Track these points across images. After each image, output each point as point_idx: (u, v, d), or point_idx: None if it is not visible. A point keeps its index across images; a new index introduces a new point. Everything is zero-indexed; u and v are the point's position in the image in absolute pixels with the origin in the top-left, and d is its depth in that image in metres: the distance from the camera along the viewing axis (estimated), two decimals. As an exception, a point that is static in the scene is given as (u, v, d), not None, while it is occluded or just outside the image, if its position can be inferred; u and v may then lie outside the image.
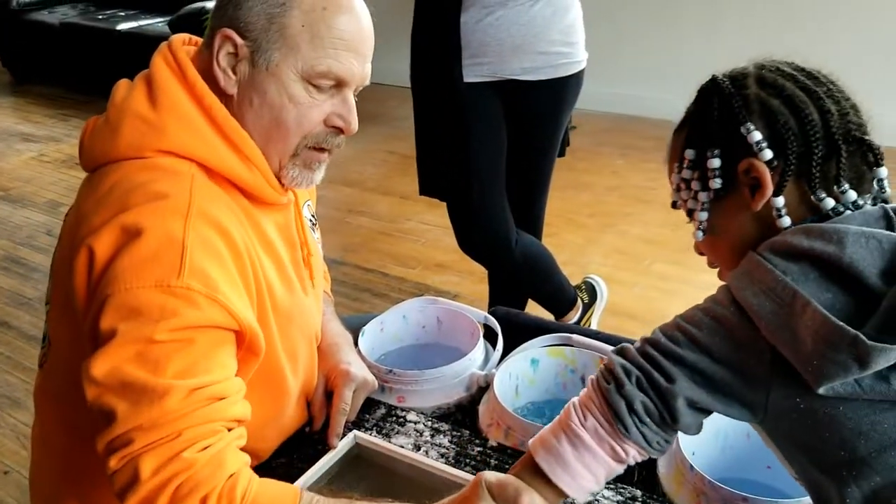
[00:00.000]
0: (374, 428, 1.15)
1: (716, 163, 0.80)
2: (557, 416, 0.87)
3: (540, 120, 1.99)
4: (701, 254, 0.91)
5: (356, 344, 1.35)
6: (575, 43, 1.93)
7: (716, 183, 0.80)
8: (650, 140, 4.00)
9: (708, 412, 0.80)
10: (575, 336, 1.35)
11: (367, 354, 1.34)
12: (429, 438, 1.13)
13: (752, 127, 0.77)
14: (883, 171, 0.78)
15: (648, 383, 0.79)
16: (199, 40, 1.04)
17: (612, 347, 1.29)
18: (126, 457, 0.83)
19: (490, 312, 1.48)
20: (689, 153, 0.83)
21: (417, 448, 1.10)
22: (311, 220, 1.26)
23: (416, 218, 3.31)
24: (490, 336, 1.43)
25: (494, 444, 1.13)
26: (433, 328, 1.50)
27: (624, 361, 0.82)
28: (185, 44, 1.03)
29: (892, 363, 0.68)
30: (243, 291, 0.94)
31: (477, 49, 1.84)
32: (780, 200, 0.77)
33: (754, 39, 3.90)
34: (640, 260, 2.89)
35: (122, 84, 1.00)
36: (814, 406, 0.73)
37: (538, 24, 1.84)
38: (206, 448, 0.85)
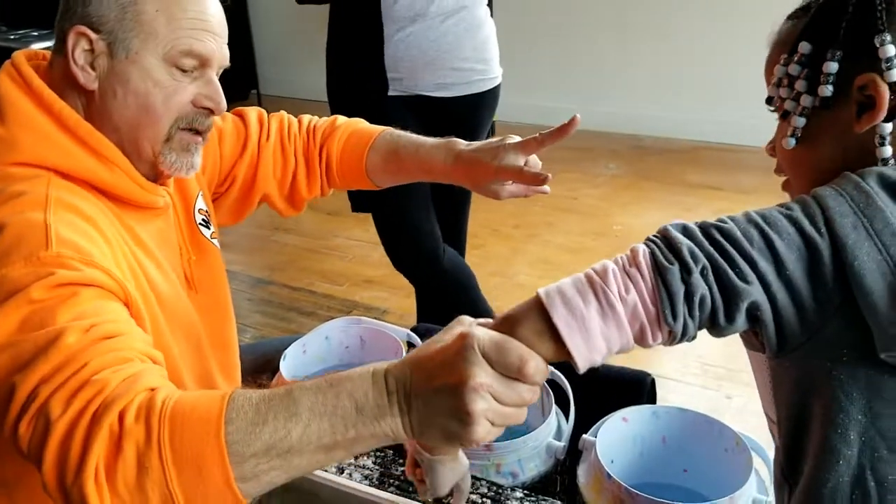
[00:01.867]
0: (297, 453, 1.15)
1: (833, 67, 0.70)
2: (584, 273, 0.72)
3: (456, 136, 1.98)
4: (772, 156, 0.83)
5: (278, 368, 1.35)
6: (489, 59, 1.95)
7: (826, 90, 0.71)
8: (572, 150, 4.08)
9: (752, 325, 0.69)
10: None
11: (289, 378, 1.34)
12: (352, 460, 1.13)
13: (887, 38, 0.67)
14: None
15: (716, 278, 0.66)
16: (48, 54, 1.04)
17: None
18: (33, 413, 0.71)
19: (412, 329, 1.49)
20: (805, 47, 0.72)
21: (341, 471, 1.10)
22: (203, 218, 1.24)
23: (343, 234, 3.30)
24: (413, 353, 1.44)
25: (418, 462, 1.13)
26: (356, 348, 1.50)
27: (692, 245, 0.67)
28: (30, 59, 1.02)
29: None
30: (120, 271, 0.89)
31: (391, 65, 1.87)
32: (888, 127, 0.69)
33: (667, 50, 4.03)
34: (564, 269, 2.94)
35: None
36: (855, 367, 0.67)
37: (449, 41, 1.86)
38: (118, 371, 0.73)
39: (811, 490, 0.74)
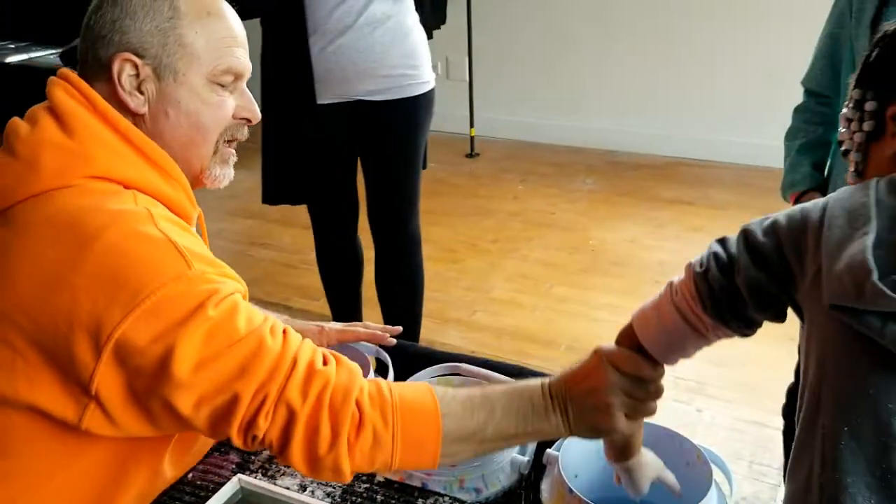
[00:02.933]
0: (260, 470, 1.15)
1: (870, 105, 0.83)
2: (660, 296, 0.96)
3: (394, 138, 2.09)
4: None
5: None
6: (418, 66, 2.04)
7: (867, 125, 0.83)
8: (549, 165, 4.12)
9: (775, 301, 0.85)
10: (463, 365, 1.38)
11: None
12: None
13: None
14: None
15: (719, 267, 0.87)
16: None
17: (500, 376, 1.33)
18: (269, 410, 0.87)
19: (381, 345, 1.49)
20: (855, 93, 0.85)
21: (303, 489, 1.11)
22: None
23: (320, 249, 3.30)
24: (383, 369, 1.44)
25: (381, 479, 1.14)
26: (326, 364, 1.51)
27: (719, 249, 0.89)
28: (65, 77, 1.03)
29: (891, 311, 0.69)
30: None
31: (323, 75, 1.97)
32: None
33: (643, 67, 4.08)
34: (540, 283, 2.96)
35: (18, 121, 0.99)
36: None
37: (378, 51, 1.96)
38: (325, 359, 0.92)
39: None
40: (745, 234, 0.85)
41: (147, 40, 1.00)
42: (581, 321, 2.68)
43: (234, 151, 1.11)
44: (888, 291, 0.68)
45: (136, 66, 1.00)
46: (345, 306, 2.46)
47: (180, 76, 1.01)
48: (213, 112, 1.04)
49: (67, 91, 0.99)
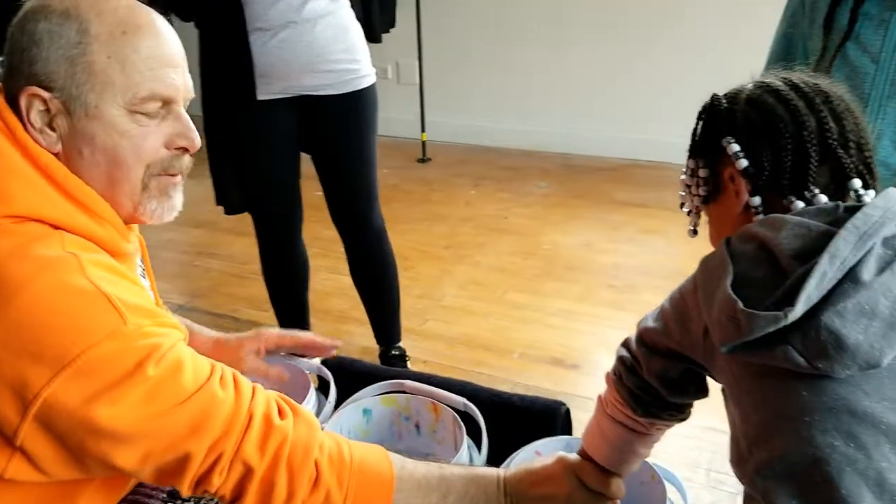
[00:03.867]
0: (191, 500, 1.08)
1: (703, 172, 0.90)
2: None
3: (343, 131, 2.08)
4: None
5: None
6: (359, 59, 2.04)
7: (703, 190, 0.91)
8: (502, 170, 4.08)
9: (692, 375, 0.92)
10: (408, 382, 1.33)
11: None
12: None
13: (731, 139, 0.86)
14: (855, 183, 0.83)
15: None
16: None
17: (445, 392, 1.28)
18: (225, 467, 0.85)
19: (323, 362, 1.43)
20: (690, 162, 0.93)
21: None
22: (140, 268, 1.19)
23: (269, 258, 3.21)
24: (324, 386, 1.38)
25: None
26: (264, 381, 1.43)
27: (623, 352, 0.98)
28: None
29: (775, 329, 0.72)
30: None
31: (267, 69, 1.95)
32: (757, 200, 0.85)
33: (597, 69, 4.06)
34: (493, 289, 2.91)
35: None
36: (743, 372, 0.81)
37: (320, 45, 1.95)
38: (280, 411, 0.91)
39: None
40: (639, 332, 0.94)
41: (54, 70, 0.90)
42: (535, 328, 2.63)
43: (177, 181, 0.99)
44: (758, 312, 0.72)
45: (44, 101, 0.90)
46: (291, 315, 2.40)
47: (91, 108, 0.91)
48: (133, 146, 0.93)
49: None
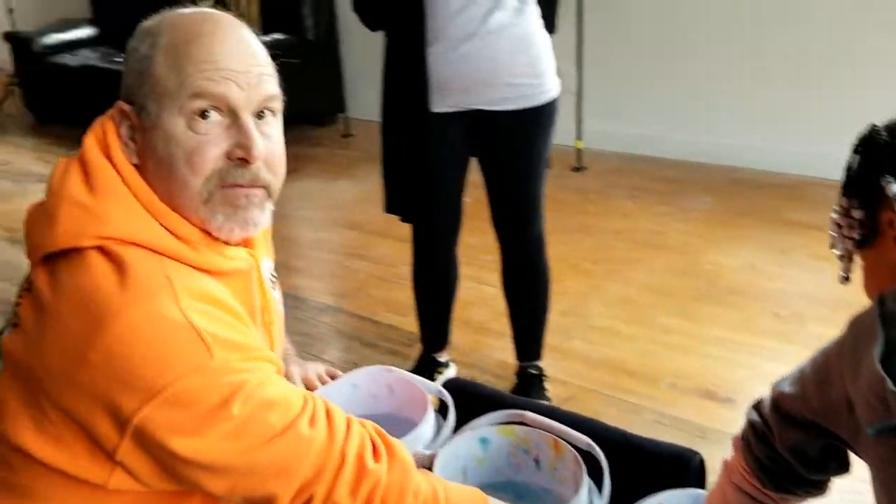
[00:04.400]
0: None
1: (857, 214, 0.82)
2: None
3: (514, 148, 2.02)
4: None
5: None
6: (542, 73, 1.96)
7: (856, 233, 0.82)
8: (662, 182, 3.87)
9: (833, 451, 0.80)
10: (528, 414, 1.24)
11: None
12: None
13: (891, 179, 0.77)
14: None
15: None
16: None
17: (568, 429, 1.18)
18: None
19: (445, 385, 1.37)
20: (843, 200, 0.85)
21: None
22: (271, 279, 1.18)
23: (415, 263, 3.20)
24: (443, 408, 1.32)
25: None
26: (384, 398, 1.40)
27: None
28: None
29: None
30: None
31: (443, 82, 1.91)
32: None
33: (770, 76, 3.77)
34: (644, 310, 2.74)
35: (59, 165, 0.94)
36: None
37: (502, 59, 1.88)
38: (375, 450, 0.88)
39: None
40: (774, 396, 0.82)
41: (131, 84, 0.92)
42: (688, 356, 2.45)
43: (252, 193, 0.94)
44: None
45: (127, 115, 0.92)
46: (433, 324, 2.38)
47: (153, 117, 0.91)
48: (186, 153, 0.90)
49: (98, 139, 0.93)
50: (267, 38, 4.04)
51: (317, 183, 4.14)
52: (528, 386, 2.27)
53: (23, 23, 6.37)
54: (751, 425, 0.85)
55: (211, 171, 0.92)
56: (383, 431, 0.93)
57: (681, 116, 4.07)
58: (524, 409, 1.26)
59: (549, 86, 1.97)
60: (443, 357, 2.41)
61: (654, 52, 4.07)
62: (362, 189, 3.95)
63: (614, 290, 2.90)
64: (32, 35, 5.58)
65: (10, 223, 3.76)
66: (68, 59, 5.47)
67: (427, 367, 2.37)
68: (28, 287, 0.92)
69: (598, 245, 3.27)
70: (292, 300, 3.00)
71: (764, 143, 3.84)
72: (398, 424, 1.32)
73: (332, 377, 1.39)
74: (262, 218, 0.98)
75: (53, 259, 0.89)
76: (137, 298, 0.82)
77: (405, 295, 2.94)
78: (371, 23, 1.99)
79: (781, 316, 2.64)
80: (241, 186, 0.94)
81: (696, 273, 2.98)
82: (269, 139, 0.96)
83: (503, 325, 2.35)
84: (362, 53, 4.92)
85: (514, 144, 2.01)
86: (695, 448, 1.22)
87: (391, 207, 2.14)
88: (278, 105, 0.98)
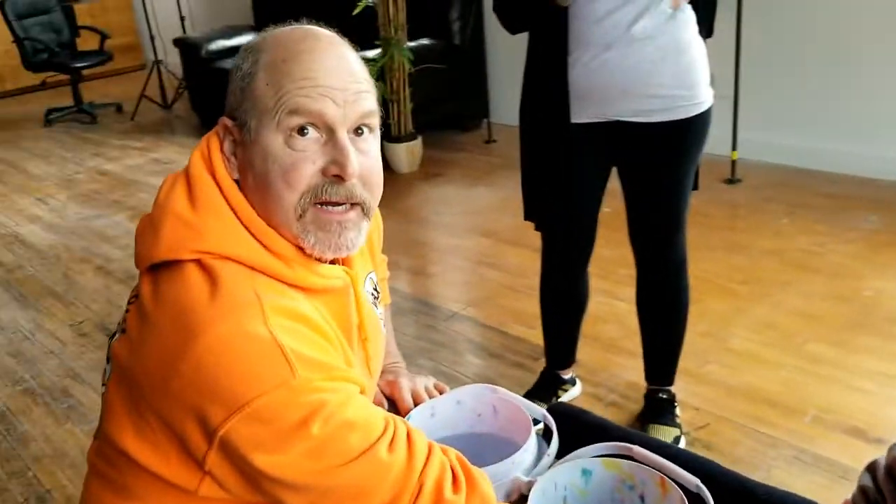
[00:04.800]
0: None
1: None
2: None
3: (658, 164, 1.89)
4: None
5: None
6: (692, 85, 1.80)
7: None
8: (823, 198, 3.58)
9: None
10: (636, 448, 1.14)
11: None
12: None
13: None
14: None
15: None
16: None
17: (676, 468, 1.08)
18: None
19: (549, 408, 1.30)
20: None
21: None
22: (372, 295, 1.17)
23: (548, 273, 3.12)
24: (547, 434, 1.25)
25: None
26: (489, 417, 1.34)
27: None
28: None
29: None
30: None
31: (583, 91, 1.80)
32: None
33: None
34: (792, 337, 2.53)
35: (168, 179, 0.97)
36: None
37: (645, 69, 1.75)
38: (455, 480, 0.86)
39: None
40: (890, 461, 0.71)
41: (234, 100, 0.94)
42: (837, 388, 2.23)
43: (345, 218, 0.94)
44: None
45: (230, 131, 0.94)
46: (561, 340, 2.30)
47: (253, 133, 0.92)
48: (283, 169, 0.91)
49: (203, 155, 0.96)
50: (413, 44, 4.11)
51: (456, 188, 4.15)
52: (658, 411, 2.15)
53: (192, 29, 6.82)
54: (862, 491, 0.72)
55: (306, 187, 0.92)
56: (465, 461, 0.90)
57: (849, 128, 3.74)
58: (633, 442, 1.17)
59: (699, 97, 1.82)
60: (567, 374, 2.32)
61: (817, 57, 3.77)
62: (500, 196, 3.91)
63: (760, 314, 2.70)
64: (200, 41, 5.94)
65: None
66: (231, 65, 5.77)
67: (550, 383, 2.29)
68: (136, 295, 0.95)
69: (746, 264, 3.05)
70: (423, 306, 3.00)
71: (944, 159, 3.47)
72: (500, 445, 1.26)
73: (441, 392, 1.36)
74: (358, 239, 0.97)
75: (157, 269, 0.91)
76: (225, 313, 0.83)
77: (534, 306, 2.88)
78: (511, 25, 1.90)
79: (951, 352, 2.36)
80: (335, 204, 0.94)
81: (854, 299, 2.72)
82: (366, 156, 0.95)
83: (636, 343, 2.24)
84: (508, 59, 4.89)
85: (657, 159, 1.88)
86: (838, 491, 1.08)
87: (529, 214, 2.07)
88: (376, 122, 0.97)
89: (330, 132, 0.92)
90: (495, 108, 4.94)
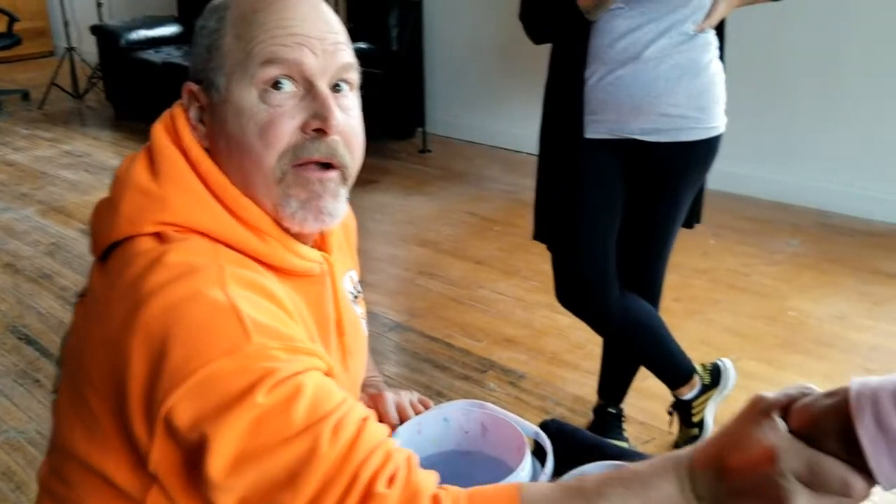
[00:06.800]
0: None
1: None
2: None
3: (661, 183, 1.88)
4: None
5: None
6: (705, 107, 1.80)
7: None
8: (747, 221, 3.74)
9: None
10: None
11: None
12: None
13: None
14: None
15: None
16: None
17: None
18: None
19: (542, 425, 1.30)
20: None
21: None
22: (352, 293, 1.12)
23: (488, 286, 3.14)
24: (541, 453, 1.25)
25: None
26: (477, 435, 1.33)
27: None
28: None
29: None
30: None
31: (597, 107, 1.79)
32: None
33: (873, 123, 3.62)
34: (726, 354, 2.62)
35: (126, 158, 0.90)
36: None
37: (660, 86, 1.74)
38: (392, 478, 0.72)
39: None
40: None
41: (199, 62, 0.88)
42: (772, 405, 2.33)
43: (325, 176, 0.87)
44: None
45: (195, 95, 0.88)
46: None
47: (222, 91, 0.85)
48: (259, 126, 0.84)
49: (167, 126, 0.89)
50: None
51: (392, 197, 4.12)
52: (606, 425, 2.19)
53: (110, 17, 6.54)
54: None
55: (286, 145, 0.85)
56: (414, 461, 0.77)
57: (773, 155, 3.93)
58: (629, 459, 1.19)
59: (712, 122, 1.81)
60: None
61: (750, 93, 3.95)
62: (437, 206, 3.92)
63: (694, 331, 2.80)
64: (119, 29, 5.72)
65: (86, 216, 3.80)
66: (152, 56, 5.58)
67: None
68: (83, 292, 0.89)
69: (678, 283, 3.15)
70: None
71: (858, 188, 3.69)
72: (489, 463, 1.26)
73: (426, 406, 1.34)
74: (338, 208, 0.90)
75: (109, 255, 0.85)
76: (178, 279, 0.76)
77: (480, 318, 2.90)
78: (536, 35, 1.86)
79: (872, 371, 2.50)
80: (316, 163, 0.87)
81: (781, 319, 2.85)
82: (348, 113, 0.89)
83: (578, 356, 2.27)
84: (445, 70, 4.91)
85: (659, 178, 1.86)
86: None
87: (539, 234, 2.00)
88: (355, 77, 0.91)
89: (308, 84, 0.85)
90: (431, 118, 4.94)
